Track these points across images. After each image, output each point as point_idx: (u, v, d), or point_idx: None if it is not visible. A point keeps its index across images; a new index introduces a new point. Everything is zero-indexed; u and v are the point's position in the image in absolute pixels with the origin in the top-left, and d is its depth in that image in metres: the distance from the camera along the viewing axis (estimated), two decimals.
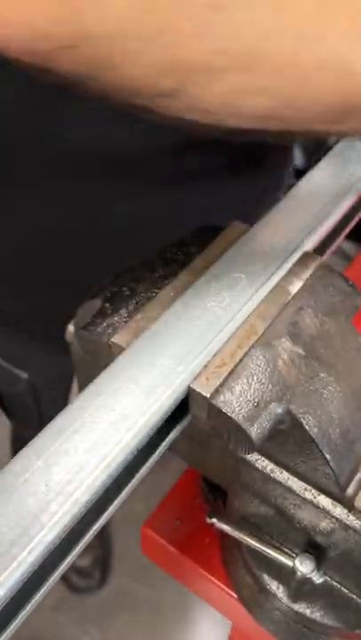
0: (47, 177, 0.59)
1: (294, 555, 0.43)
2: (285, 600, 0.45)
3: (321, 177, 0.49)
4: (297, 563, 0.41)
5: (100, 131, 0.54)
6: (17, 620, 0.28)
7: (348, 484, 0.36)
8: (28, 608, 0.28)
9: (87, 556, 1.41)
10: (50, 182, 0.59)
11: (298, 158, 1.73)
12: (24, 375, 0.82)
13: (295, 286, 0.40)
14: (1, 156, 0.58)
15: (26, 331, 0.76)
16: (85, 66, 0.27)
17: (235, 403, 0.34)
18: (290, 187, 0.49)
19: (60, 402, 0.84)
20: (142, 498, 1.37)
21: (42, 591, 0.29)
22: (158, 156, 0.59)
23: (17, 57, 0.27)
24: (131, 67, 0.27)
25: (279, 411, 0.35)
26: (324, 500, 0.38)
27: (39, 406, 0.87)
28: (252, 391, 0.35)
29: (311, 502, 0.38)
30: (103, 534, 1.47)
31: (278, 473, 0.39)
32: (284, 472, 0.39)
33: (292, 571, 0.41)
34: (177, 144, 0.58)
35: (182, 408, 0.35)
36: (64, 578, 1.40)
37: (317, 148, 1.74)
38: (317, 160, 0.52)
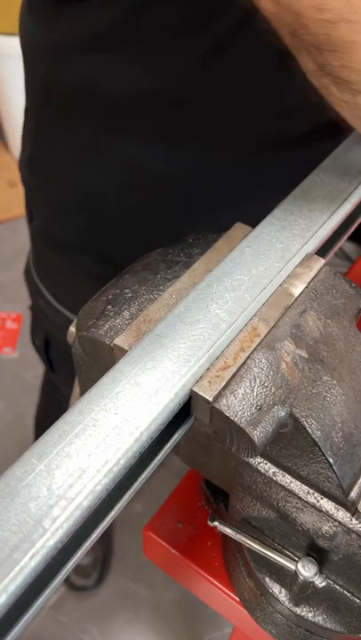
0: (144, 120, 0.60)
1: (296, 558, 0.42)
2: (287, 603, 0.45)
3: (323, 178, 0.49)
4: (299, 566, 0.41)
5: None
6: (19, 625, 0.28)
7: (351, 488, 0.36)
8: (31, 613, 0.28)
9: (87, 556, 1.41)
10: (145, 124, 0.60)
11: None
12: None
13: (298, 289, 0.40)
14: (102, 101, 0.59)
15: (89, 274, 0.77)
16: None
17: (237, 406, 0.34)
18: None
19: None
20: (143, 498, 1.37)
21: (44, 596, 0.29)
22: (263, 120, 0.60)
23: None
24: None
25: (282, 414, 0.35)
26: (326, 504, 0.38)
27: None
28: (254, 394, 0.34)
29: (314, 506, 0.38)
30: (104, 535, 1.47)
31: (281, 476, 0.39)
32: (287, 475, 0.39)
33: (295, 574, 0.41)
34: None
35: (185, 411, 0.35)
36: None
37: None
38: None
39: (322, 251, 0.46)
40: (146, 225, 0.68)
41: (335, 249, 0.49)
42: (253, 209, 0.48)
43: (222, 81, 0.57)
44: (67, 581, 1.40)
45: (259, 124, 0.61)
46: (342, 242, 0.51)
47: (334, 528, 0.38)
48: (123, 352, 0.37)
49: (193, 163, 0.62)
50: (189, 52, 0.54)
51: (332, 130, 0.66)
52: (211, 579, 0.52)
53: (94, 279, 0.77)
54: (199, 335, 0.37)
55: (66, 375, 0.99)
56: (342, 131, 0.63)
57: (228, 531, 0.45)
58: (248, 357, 0.36)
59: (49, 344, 0.93)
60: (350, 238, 0.53)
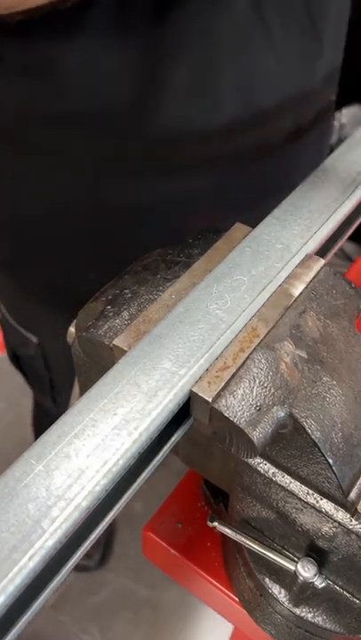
0: (71, 147, 0.58)
1: (296, 559, 0.42)
2: (287, 604, 0.45)
3: (323, 178, 0.49)
4: (299, 567, 0.41)
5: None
6: (18, 626, 0.28)
7: (350, 489, 0.36)
8: (30, 614, 0.28)
9: None
10: (74, 152, 0.59)
11: None
12: (34, 339, 0.83)
13: (298, 289, 0.40)
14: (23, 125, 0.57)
15: (36, 295, 0.77)
16: None
17: (237, 407, 0.34)
18: None
19: (71, 375, 0.86)
20: (142, 498, 1.37)
21: (43, 597, 0.29)
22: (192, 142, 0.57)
23: None
24: None
25: (281, 415, 0.34)
26: (326, 505, 0.38)
27: (50, 373, 0.88)
28: (254, 395, 0.34)
29: (313, 506, 0.38)
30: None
31: (280, 477, 0.39)
32: (286, 476, 0.39)
33: (294, 575, 0.41)
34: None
35: (184, 412, 0.35)
36: None
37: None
38: None
39: (322, 251, 0.46)
40: (78, 250, 0.67)
41: (335, 249, 0.49)
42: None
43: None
44: None
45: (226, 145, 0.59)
46: (342, 242, 0.50)
47: (334, 529, 0.38)
48: (122, 352, 0.37)
49: (117, 191, 0.61)
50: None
51: (310, 131, 0.65)
52: (210, 579, 0.52)
53: (37, 299, 0.77)
54: (199, 336, 0.37)
55: (35, 385, 0.99)
56: (322, 132, 0.61)
57: (227, 531, 0.45)
58: (247, 358, 0.36)
59: (18, 357, 0.94)
60: (351, 238, 0.53)
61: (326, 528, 0.39)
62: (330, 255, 0.48)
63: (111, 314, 0.40)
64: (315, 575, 0.41)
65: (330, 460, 0.35)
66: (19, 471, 0.29)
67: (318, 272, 0.41)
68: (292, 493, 0.39)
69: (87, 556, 1.41)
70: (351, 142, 0.53)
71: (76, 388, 0.48)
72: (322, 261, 0.42)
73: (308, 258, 0.42)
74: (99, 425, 0.32)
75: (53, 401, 0.94)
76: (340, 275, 0.42)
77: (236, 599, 0.50)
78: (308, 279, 0.41)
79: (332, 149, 0.54)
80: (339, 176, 0.49)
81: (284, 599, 0.45)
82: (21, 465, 0.30)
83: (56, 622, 1.37)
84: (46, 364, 0.86)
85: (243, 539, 0.44)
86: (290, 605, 0.44)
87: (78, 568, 1.42)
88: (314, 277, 0.41)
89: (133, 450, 0.31)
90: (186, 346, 0.36)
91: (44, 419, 1.17)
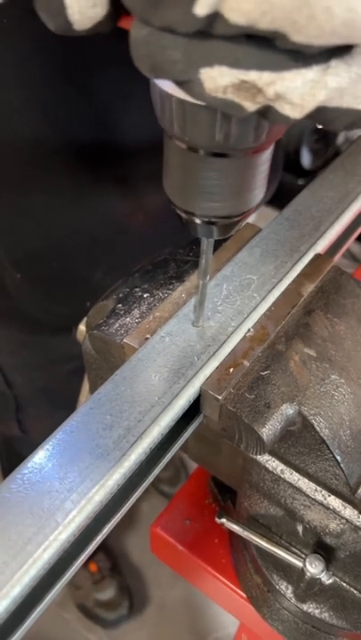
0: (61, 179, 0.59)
1: (303, 555, 0.43)
2: (294, 600, 0.45)
3: (332, 179, 0.50)
4: (306, 563, 0.41)
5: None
6: (32, 617, 0.28)
7: (358, 486, 0.36)
8: (43, 605, 0.29)
9: (109, 589, 1.34)
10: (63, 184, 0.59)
11: (305, 159, 1.73)
12: None
13: (307, 288, 0.40)
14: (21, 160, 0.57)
15: None
16: None
17: (246, 404, 0.34)
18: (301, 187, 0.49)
19: (37, 398, 0.85)
20: (147, 497, 1.37)
21: (56, 588, 0.29)
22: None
23: None
24: None
25: (290, 412, 0.35)
26: (334, 501, 0.38)
27: (13, 390, 0.86)
28: (263, 392, 0.35)
29: (321, 503, 0.38)
30: (117, 566, 1.37)
31: (289, 474, 0.39)
32: (295, 473, 0.39)
33: (302, 571, 0.41)
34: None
35: (194, 409, 0.36)
36: (92, 614, 1.33)
37: (325, 149, 1.73)
38: (326, 161, 0.52)
39: (330, 251, 0.46)
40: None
41: (344, 249, 0.50)
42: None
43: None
44: (100, 620, 1.33)
45: None
46: (351, 242, 0.51)
47: (342, 525, 0.38)
48: (133, 350, 0.38)
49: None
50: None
51: None
52: (218, 575, 0.52)
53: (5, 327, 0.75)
54: (209, 334, 0.37)
55: None
56: None
57: (235, 528, 0.45)
58: (257, 356, 0.36)
59: None
60: (359, 239, 0.54)
61: (334, 525, 0.39)
62: (339, 255, 0.49)
63: (122, 312, 0.40)
64: (322, 571, 0.41)
65: (338, 458, 0.35)
66: (33, 465, 0.30)
67: (327, 272, 0.42)
68: (300, 490, 0.39)
69: (115, 607, 1.31)
70: (359, 143, 0.54)
71: (86, 385, 0.49)
72: (331, 261, 0.42)
73: (317, 258, 0.43)
74: (110, 421, 0.32)
75: (19, 424, 0.91)
76: (349, 274, 0.42)
77: (244, 595, 0.51)
78: (317, 278, 0.41)
79: (338, 150, 0.54)
80: (347, 176, 0.50)
81: (291, 595, 0.45)
82: (35, 459, 0.30)
83: (61, 620, 1.37)
84: (6, 380, 0.84)
85: (250, 535, 0.44)
86: (297, 601, 0.45)
87: (113, 623, 1.32)
88: (323, 277, 0.41)
89: (145, 446, 0.31)
90: (196, 344, 0.37)
91: (10, 454, 1.09)
